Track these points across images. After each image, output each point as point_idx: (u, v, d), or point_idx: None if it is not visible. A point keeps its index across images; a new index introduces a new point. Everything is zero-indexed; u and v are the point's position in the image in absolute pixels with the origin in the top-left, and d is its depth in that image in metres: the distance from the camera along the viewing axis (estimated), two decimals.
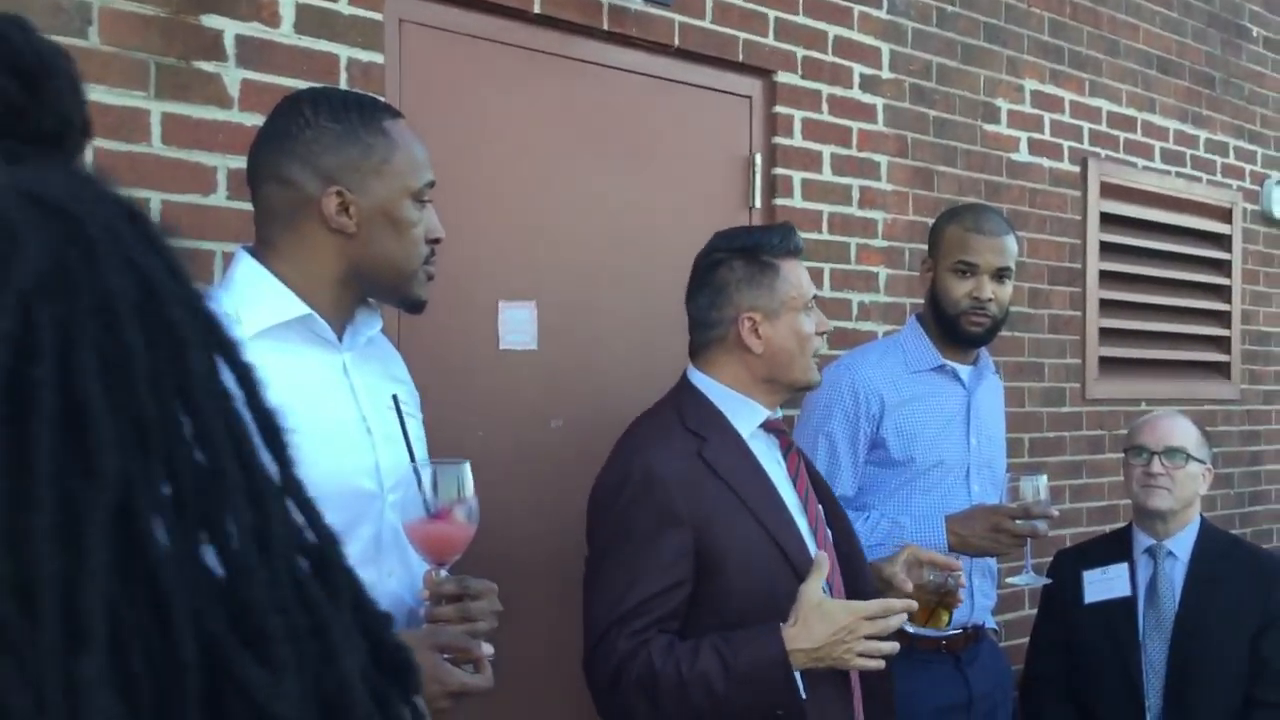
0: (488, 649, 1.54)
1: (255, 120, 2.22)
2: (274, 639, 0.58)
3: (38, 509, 0.53)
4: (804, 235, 2.24)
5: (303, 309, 1.60)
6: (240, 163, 2.18)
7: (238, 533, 0.60)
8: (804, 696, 1.90)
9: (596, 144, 2.88)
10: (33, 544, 0.53)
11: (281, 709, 0.57)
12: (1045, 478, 2.53)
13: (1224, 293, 4.78)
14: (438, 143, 2.57)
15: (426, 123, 2.53)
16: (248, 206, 2.19)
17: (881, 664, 1.93)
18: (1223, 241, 4.78)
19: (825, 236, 3.31)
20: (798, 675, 1.90)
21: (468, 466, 1.59)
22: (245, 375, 0.67)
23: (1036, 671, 3.17)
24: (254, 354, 1.44)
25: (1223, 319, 4.78)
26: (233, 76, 2.23)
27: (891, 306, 3.47)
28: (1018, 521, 2.47)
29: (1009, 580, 2.69)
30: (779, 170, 3.21)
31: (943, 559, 2.27)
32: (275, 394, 1.46)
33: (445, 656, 1.52)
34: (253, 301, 1.59)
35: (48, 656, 0.52)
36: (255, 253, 1.65)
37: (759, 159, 3.18)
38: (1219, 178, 4.78)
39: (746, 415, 2.13)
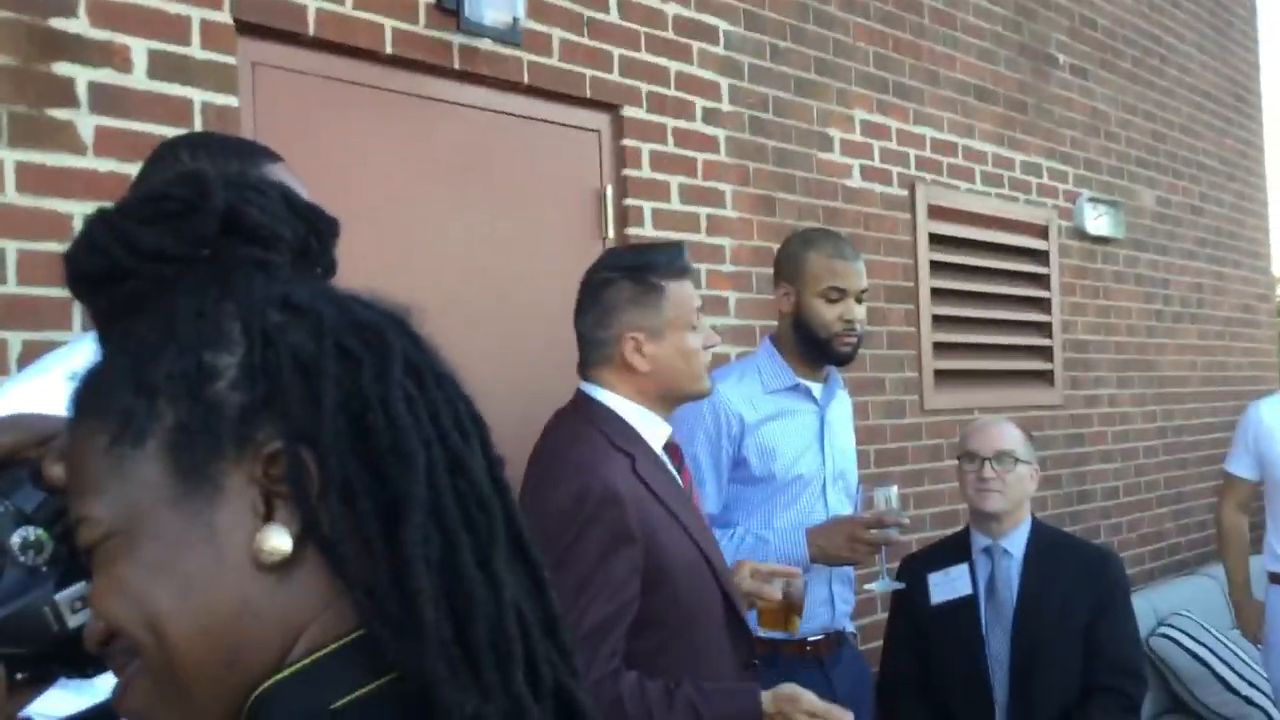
0: None
1: (110, 165, 2.22)
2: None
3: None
4: None
5: None
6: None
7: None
8: None
9: (451, 181, 2.93)
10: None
11: None
12: (896, 488, 2.69)
13: (1044, 305, 5.08)
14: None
15: (281, 153, 2.54)
16: None
17: None
18: (1041, 257, 5.08)
19: None
20: None
21: None
22: (488, 449, 0.83)
23: (892, 671, 3.32)
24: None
25: (1044, 329, 5.08)
26: (86, 123, 2.21)
27: (742, 329, 3.61)
28: (872, 531, 2.61)
29: (866, 587, 2.84)
30: (630, 201, 3.31)
31: (783, 568, 2.39)
32: None
33: None
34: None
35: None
36: None
37: (610, 190, 3.28)
38: (1035, 197, 5.09)
39: (654, 431, 2.18)
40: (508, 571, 0.74)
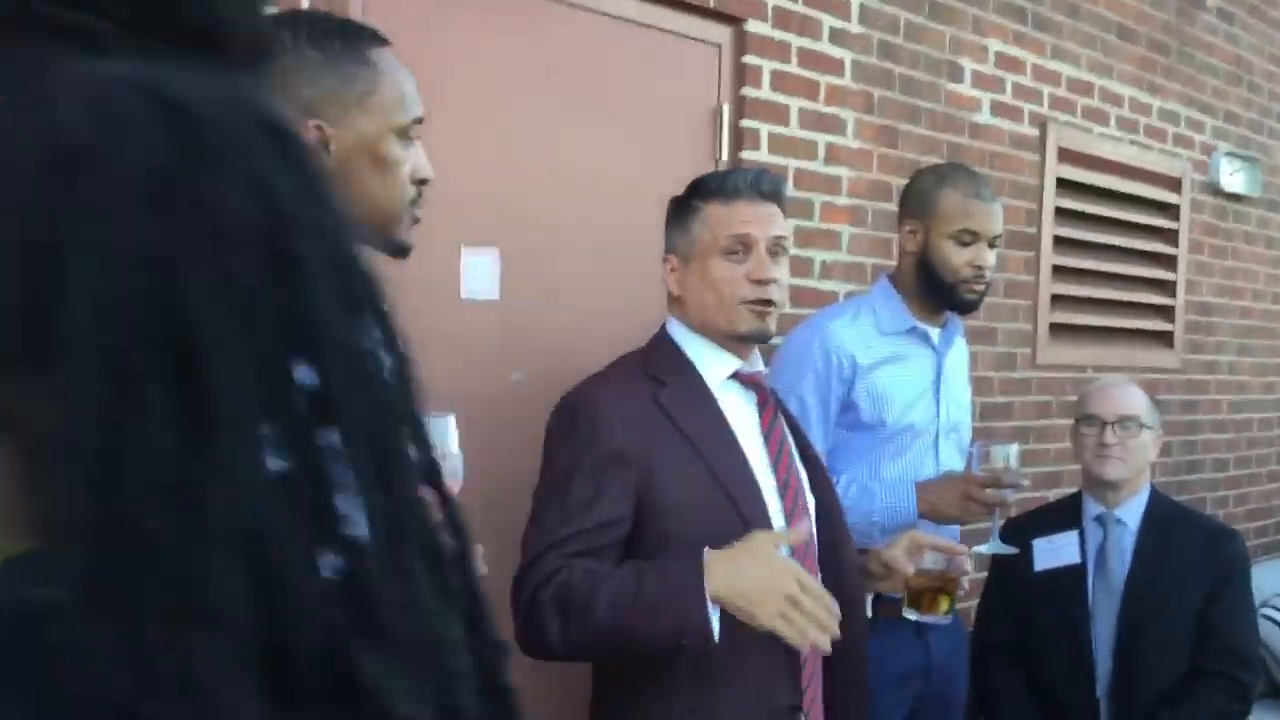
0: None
1: None
2: (399, 639, 0.53)
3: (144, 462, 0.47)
4: None
5: None
6: None
7: (367, 519, 0.53)
8: (715, 633, 1.77)
9: (563, 87, 2.77)
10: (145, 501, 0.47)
11: (409, 712, 0.52)
12: (1017, 447, 2.50)
13: (1170, 262, 4.80)
14: None
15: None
16: None
17: (805, 644, 1.78)
18: (1170, 211, 4.80)
19: (791, 193, 3.22)
20: (714, 611, 1.76)
21: (452, 420, 1.50)
22: (389, 332, 0.58)
23: (987, 639, 3.17)
24: None
25: (1167, 288, 4.80)
26: None
27: (854, 266, 3.42)
28: (988, 490, 2.44)
29: (975, 549, 2.67)
30: (746, 122, 3.13)
31: (946, 543, 2.21)
32: None
33: None
34: None
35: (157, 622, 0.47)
36: None
37: (727, 110, 3.09)
38: (1170, 147, 4.79)
39: (715, 364, 2.07)
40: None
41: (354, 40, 1.53)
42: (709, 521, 1.94)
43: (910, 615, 2.15)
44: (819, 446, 2.55)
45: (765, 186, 2.06)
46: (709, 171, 2.76)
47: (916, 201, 2.67)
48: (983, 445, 2.52)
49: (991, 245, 2.63)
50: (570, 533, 1.89)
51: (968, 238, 2.59)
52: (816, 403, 2.57)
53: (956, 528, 2.76)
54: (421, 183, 1.59)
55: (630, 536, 1.93)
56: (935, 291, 2.63)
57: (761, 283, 2.00)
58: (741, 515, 1.96)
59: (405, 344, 0.60)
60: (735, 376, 2.09)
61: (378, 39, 1.57)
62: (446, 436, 1.50)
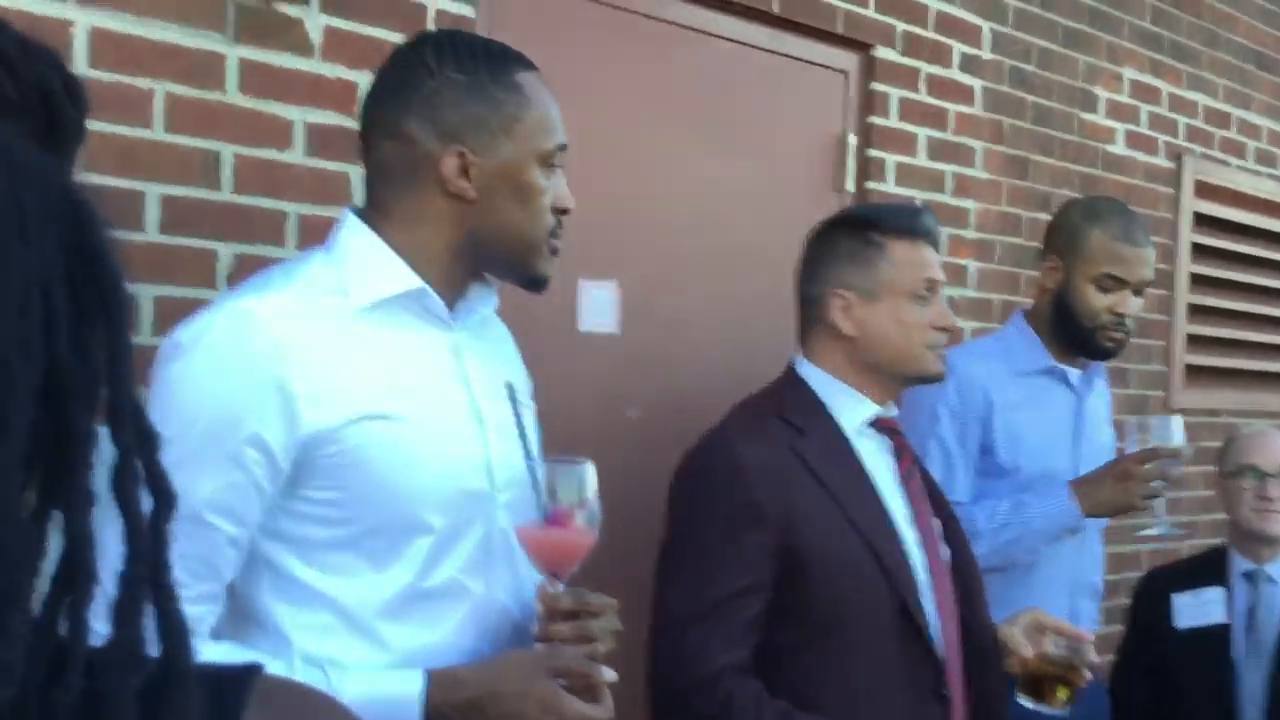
0: (609, 675, 1.36)
1: (336, 71, 2.05)
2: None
3: None
4: None
5: (415, 281, 1.42)
6: (320, 117, 2.01)
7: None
8: None
9: (686, 114, 2.68)
10: None
11: None
12: (1180, 419, 2.34)
13: None
14: None
15: None
16: (326, 165, 2.03)
17: None
18: None
19: None
20: None
21: (590, 467, 1.41)
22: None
23: (1124, 698, 2.98)
24: (363, 330, 1.27)
25: None
26: (315, 22, 2.04)
27: (980, 303, 3.28)
28: (1147, 466, 2.27)
29: (1141, 533, 2.46)
30: (873, 152, 3.01)
31: (1071, 629, 2.03)
32: (383, 375, 1.27)
33: (561, 683, 1.34)
34: (362, 271, 1.41)
35: None
36: (363, 216, 1.47)
37: (853, 139, 2.98)
38: None
39: (852, 409, 1.96)
40: None
41: (501, 63, 1.47)
42: (851, 577, 1.85)
43: (1024, 702, 1.96)
44: (964, 487, 2.41)
45: (936, 228, 2.05)
46: (866, 204, 2.66)
47: (1062, 236, 2.52)
48: (1140, 419, 2.36)
49: (1138, 292, 2.47)
50: (716, 599, 1.79)
51: (1111, 283, 2.43)
52: (956, 443, 2.42)
53: (1099, 581, 2.60)
54: (562, 212, 1.51)
55: (775, 599, 1.83)
56: (1070, 335, 2.48)
57: (945, 329, 1.99)
58: (884, 570, 1.87)
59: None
60: (872, 423, 1.97)
61: (524, 62, 1.50)
62: (585, 484, 1.40)
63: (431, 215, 1.44)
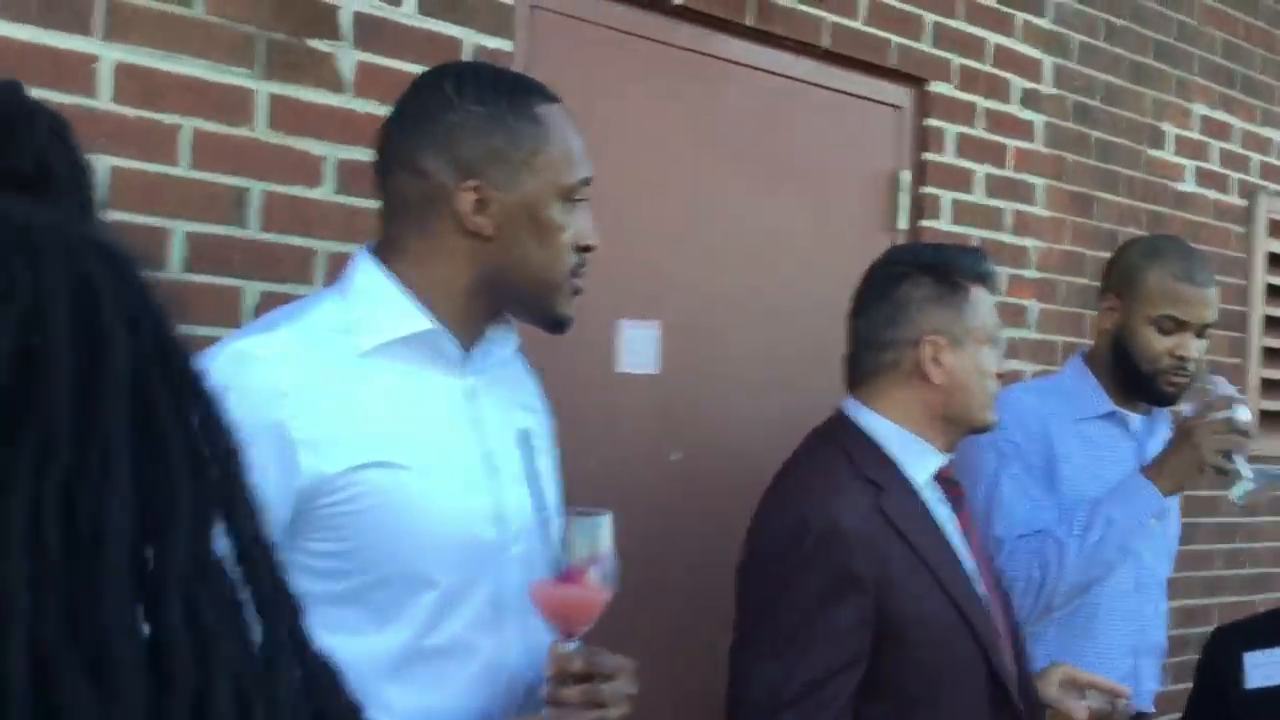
0: None
1: (369, 107, 2.01)
2: (116, 662, 0.55)
3: None
4: None
5: (426, 323, 1.36)
6: (351, 154, 1.97)
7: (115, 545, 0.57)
8: None
9: (732, 151, 2.62)
10: None
11: None
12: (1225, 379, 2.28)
13: None
14: None
15: None
16: (356, 202, 1.99)
17: None
18: None
19: None
20: None
21: (608, 519, 1.34)
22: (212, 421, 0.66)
23: None
24: (369, 373, 1.21)
25: None
26: (348, 57, 2.01)
27: (1042, 345, 3.16)
28: (1210, 418, 2.16)
29: (1234, 495, 2.26)
30: (927, 189, 2.92)
31: (1105, 682, 1.97)
32: (388, 420, 1.20)
33: None
34: (371, 312, 1.36)
35: None
36: (378, 253, 1.42)
37: (907, 176, 2.89)
38: None
39: (920, 461, 1.86)
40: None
41: (523, 95, 1.42)
42: (946, 645, 1.76)
43: None
44: (1050, 518, 2.28)
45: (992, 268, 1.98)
46: (917, 243, 2.57)
47: (1121, 276, 2.41)
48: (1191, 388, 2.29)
49: (1200, 334, 2.35)
50: (807, 681, 1.67)
51: (1171, 324, 2.32)
52: (1027, 475, 2.30)
53: (1163, 640, 2.46)
54: (585, 250, 1.45)
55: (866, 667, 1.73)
56: (1130, 378, 2.37)
57: (1000, 377, 1.93)
58: (975, 634, 1.79)
59: (231, 433, 0.66)
60: (935, 476, 1.89)
61: (546, 95, 1.45)
62: (600, 537, 1.33)
63: (447, 252, 1.38)
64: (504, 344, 1.48)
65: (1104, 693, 1.92)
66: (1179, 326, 2.31)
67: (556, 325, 1.45)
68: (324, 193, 1.97)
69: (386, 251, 1.41)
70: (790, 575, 1.71)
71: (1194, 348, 2.32)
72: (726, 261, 2.60)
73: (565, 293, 1.43)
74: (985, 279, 1.90)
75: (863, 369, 1.90)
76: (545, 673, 1.31)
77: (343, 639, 1.27)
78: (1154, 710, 2.55)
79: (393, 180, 1.41)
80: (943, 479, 1.91)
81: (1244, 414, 2.19)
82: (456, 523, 1.34)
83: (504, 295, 1.42)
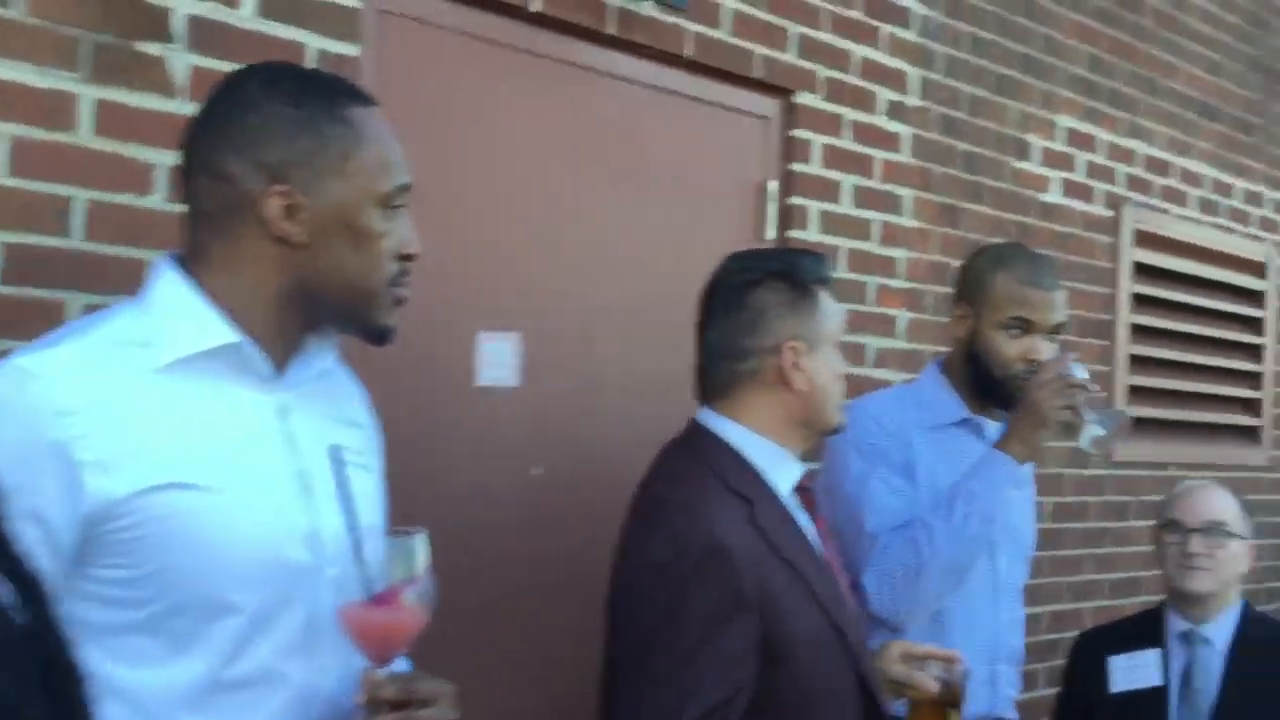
0: None
1: None
2: None
3: None
4: None
5: (230, 336, 1.30)
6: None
7: None
8: None
9: (595, 160, 2.59)
10: None
11: None
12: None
13: (1256, 352, 4.50)
14: (417, 150, 2.26)
15: (405, 128, 2.22)
16: None
17: None
18: (1256, 298, 4.51)
19: (843, 275, 3.01)
20: None
21: (422, 539, 1.29)
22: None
23: None
24: (167, 389, 1.15)
25: (1254, 380, 4.50)
26: (181, 61, 1.93)
27: (911, 354, 3.18)
28: (1045, 375, 2.20)
29: (1083, 444, 2.26)
30: (795, 199, 2.92)
31: (941, 651, 1.98)
32: (187, 439, 1.14)
33: None
34: (171, 324, 1.29)
35: None
36: (183, 263, 1.36)
37: (774, 186, 2.90)
38: (1255, 230, 4.52)
39: (784, 471, 1.83)
40: None
41: (334, 97, 1.36)
42: (823, 660, 1.73)
43: None
44: (918, 508, 2.28)
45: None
46: (757, 249, 2.55)
47: (969, 283, 2.43)
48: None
49: (1049, 337, 2.37)
50: (702, 710, 1.60)
51: (1020, 328, 2.34)
52: (891, 472, 2.29)
53: (1020, 646, 2.49)
54: (407, 258, 1.40)
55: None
56: (983, 384, 2.38)
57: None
58: (847, 647, 1.76)
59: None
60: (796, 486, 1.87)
61: (361, 97, 1.40)
62: (414, 558, 1.28)
63: (254, 260, 1.32)
64: (321, 357, 1.42)
65: (941, 661, 1.94)
66: (1028, 329, 2.33)
67: (377, 336, 1.40)
68: (155, 201, 1.89)
69: (191, 260, 1.35)
70: (675, 599, 1.64)
71: (1045, 350, 2.34)
72: (590, 272, 2.57)
73: (385, 302, 1.38)
74: (828, 282, 1.90)
75: (719, 380, 1.86)
76: (356, 700, 1.26)
77: (140, 670, 1.22)
78: (1016, 717, 2.57)
79: (196, 185, 1.35)
80: (803, 489, 1.90)
81: (1078, 369, 2.22)
82: (264, 546, 1.28)
83: (319, 305, 1.36)
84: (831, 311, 1.88)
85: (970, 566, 2.22)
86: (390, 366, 2.25)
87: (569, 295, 2.52)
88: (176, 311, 1.30)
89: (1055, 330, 2.36)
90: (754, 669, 1.65)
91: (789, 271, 1.86)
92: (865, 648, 1.84)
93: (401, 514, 1.52)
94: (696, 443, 1.84)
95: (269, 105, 1.32)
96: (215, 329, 1.30)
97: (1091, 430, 2.22)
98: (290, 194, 1.31)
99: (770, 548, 1.71)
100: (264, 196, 1.30)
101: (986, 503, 2.20)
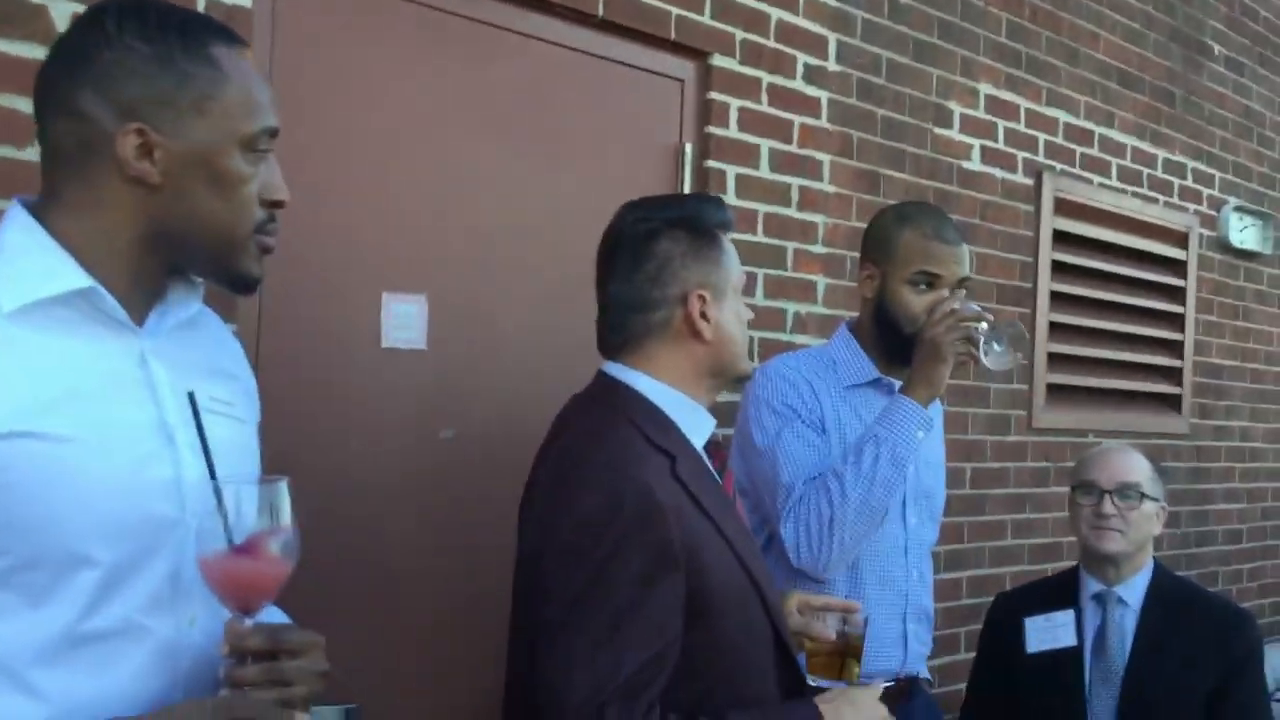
0: None
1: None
2: None
3: None
4: (737, 237, 1.92)
5: (82, 280, 1.25)
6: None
7: None
8: None
9: (503, 121, 2.55)
10: None
11: None
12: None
13: (1176, 321, 4.55)
14: (315, 109, 2.24)
15: (302, 85, 2.19)
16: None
17: None
18: (1177, 268, 4.55)
19: (760, 239, 3.00)
20: None
21: (285, 485, 1.25)
22: None
23: None
24: (15, 336, 1.10)
25: (1174, 349, 4.55)
26: (61, 11, 1.87)
27: (830, 319, 3.18)
28: (938, 310, 2.23)
29: (985, 363, 2.25)
30: (712, 163, 2.91)
31: (839, 601, 1.99)
32: (37, 387, 1.08)
33: None
34: (16, 269, 1.24)
35: None
36: (35, 208, 1.30)
37: (690, 149, 2.87)
38: (1176, 200, 4.56)
39: (697, 424, 1.79)
40: None
41: (196, 35, 1.31)
42: (746, 611, 1.70)
43: (819, 682, 1.89)
44: (825, 453, 2.29)
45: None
46: (654, 196, 2.53)
47: (874, 242, 2.43)
48: None
49: (954, 291, 2.37)
50: (634, 668, 1.55)
51: (925, 282, 2.34)
52: (805, 427, 2.29)
53: (929, 605, 2.49)
54: (274, 205, 1.35)
55: None
56: (892, 342, 2.37)
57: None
58: (765, 602, 1.73)
59: None
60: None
61: (226, 35, 1.35)
62: (279, 505, 1.24)
63: (110, 203, 1.27)
64: (185, 306, 1.37)
65: (839, 611, 1.94)
66: (934, 284, 2.34)
67: (241, 284, 1.35)
68: (34, 154, 1.83)
69: (44, 205, 1.30)
70: (608, 557, 1.57)
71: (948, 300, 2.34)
72: (500, 236, 2.53)
73: (249, 249, 1.33)
74: (729, 226, 1.85)
75: (625, 333, 1.80)
76: (220, 651, 1.23)
77: None
78: (927, 673, 2.58)
79: (50, 125, 1.29)
80: (713, 443, 1.88)
81: (970, 305, 2.24)
82: (125, 498, 1.23)
83: (179, 250, 1.31)
84: (734, 257, 1.83)
85: (884, 510, 2.21)
86: (295, 328, 2.21)
87: (476, 258, 2.49)
88: (25, 256, 1.25)
89: (960, 285, 2.36)
90: (680, 630, 1.61)
91: (690, 219, 1.80)
92: (777, 598, 1.81)
93: (309, 476, 1.47)
94: (610, 397, 1.78)
95: (126, 40, 1.27)
96: (66, 273, 1.25)
97: (984, 348, 2.23)
98: (145, 133, 1.26)
99: (693, 502, 1.67)
100: (118, 135, 1.25)
101: (895, 446, 2.20)
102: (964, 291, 2.37)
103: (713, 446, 1.89)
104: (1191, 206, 4.64)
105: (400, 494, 2.36)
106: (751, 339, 2.68)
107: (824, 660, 1.91)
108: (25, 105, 1.82)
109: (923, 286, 2.33)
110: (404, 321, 2.37)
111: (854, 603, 1.98)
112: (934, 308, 2.27)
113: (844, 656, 1.92)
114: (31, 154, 1.83)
